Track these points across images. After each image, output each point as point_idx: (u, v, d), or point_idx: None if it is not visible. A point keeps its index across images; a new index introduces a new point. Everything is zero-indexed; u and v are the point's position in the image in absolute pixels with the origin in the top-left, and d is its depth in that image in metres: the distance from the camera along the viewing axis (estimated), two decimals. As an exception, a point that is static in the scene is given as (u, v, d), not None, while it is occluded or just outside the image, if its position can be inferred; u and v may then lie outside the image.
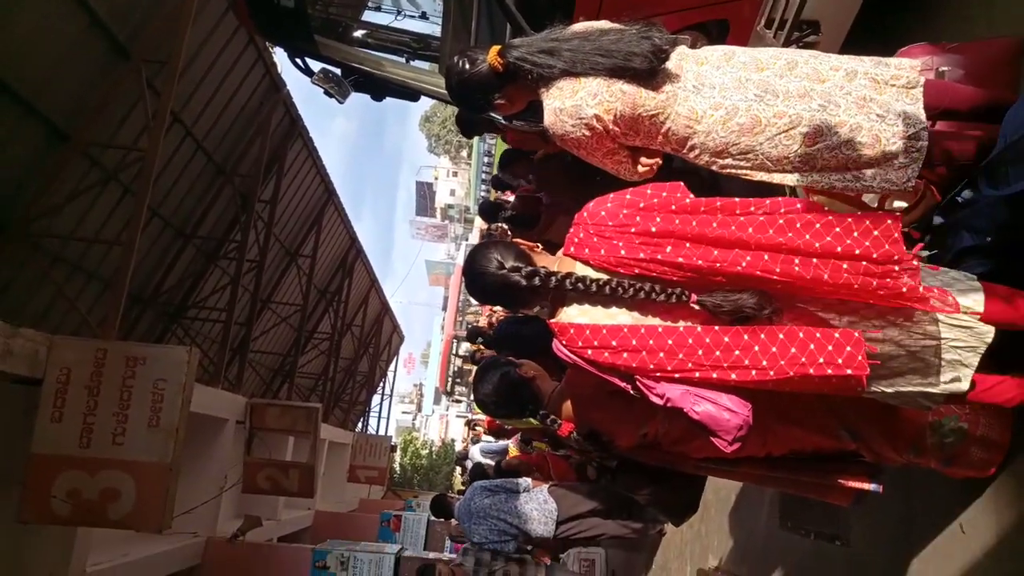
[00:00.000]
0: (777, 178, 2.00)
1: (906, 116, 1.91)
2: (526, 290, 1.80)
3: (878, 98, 1.94)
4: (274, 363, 15.36)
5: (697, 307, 1.70)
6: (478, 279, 1.88)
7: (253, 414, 9.48)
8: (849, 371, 1.60)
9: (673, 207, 1.75)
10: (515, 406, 2.48)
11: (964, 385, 1.74)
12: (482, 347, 8.17)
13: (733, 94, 1.94)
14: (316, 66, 3.93)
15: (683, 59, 2.02)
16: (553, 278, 1.77)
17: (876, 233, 1.66)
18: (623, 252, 1.71)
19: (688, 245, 1.68)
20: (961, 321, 1.74)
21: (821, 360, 1.61)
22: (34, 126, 6.32)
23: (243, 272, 10.38)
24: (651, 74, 1.95)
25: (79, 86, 6.56)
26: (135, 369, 5.28)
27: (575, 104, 1.98)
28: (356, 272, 17.48)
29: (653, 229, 1.71)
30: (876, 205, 2.30)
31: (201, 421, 8.22)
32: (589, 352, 1.72)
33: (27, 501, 5.03)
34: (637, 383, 1.71)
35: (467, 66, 2.12)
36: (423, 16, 4.78)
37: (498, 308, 11.07)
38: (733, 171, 2.01)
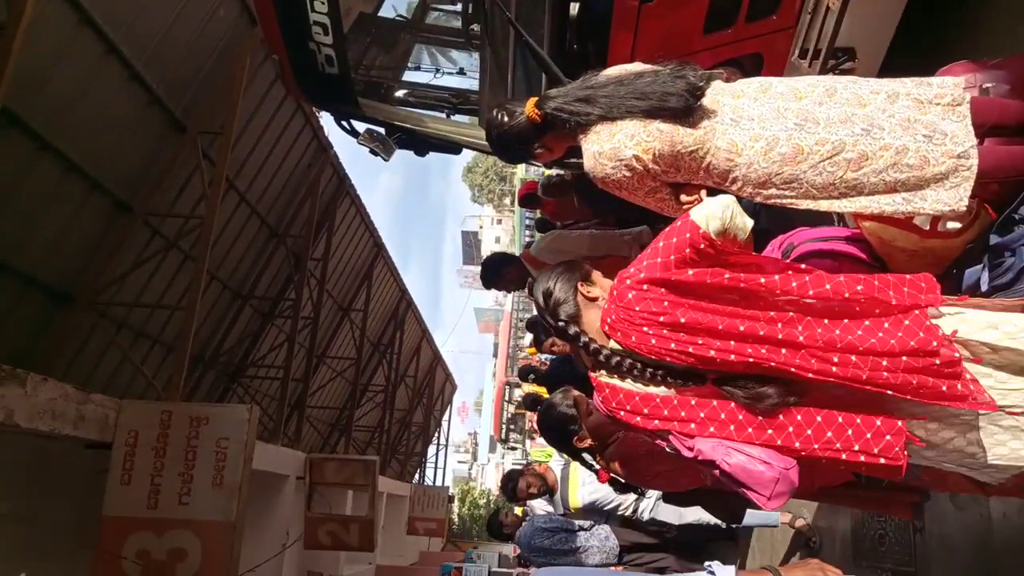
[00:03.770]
0: (824, 205, 1.97)
1: (954, 135, 1.87)
2: (563, 336, 1.84)
3: (923, 118, 1.90)
4: (331, 417, 15.55)
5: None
6: (534, 300, 1.95)
7: (312, 469, 9.58)
8: (883, 460, 1.55)
9: (707, 281, 1.68)
10: (556, 435, 2.61)
11: None
12: (536, 386, 8.12)
13: (772, 124, 1.94)
14: (361, 127, 4.09)
15: (719, 94, 2.03)
16: (580, 341, 1.79)
17: (907, 322, 1.59)
18: (654, 342, 1.67)
19: (719, 342, 1.64)
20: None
21: (856, 448, 1.56)
22: (99, 200, 6.67)
23: (298, 329, 10.62)
24: (688, 112, 1.97)
25: (139, 160, 6.94)
26: (199, 429, 5.42)
27: (614, 147, 2.00)
28: (407, 324, 17.70)
29: (682, 320, 1.65)
30: (928, 227, 2.25)
31: (262, 478, 8.34)
32: (622, 414, 1.73)
33: (100, 563, 5.16)
34: (671, 437, 1.68)
35: (506, 119, 2.18)
36: (461, 72, 4.94)
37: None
38: (778, 201, 1.99)
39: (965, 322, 1.62)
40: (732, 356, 1.61)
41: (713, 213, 1.73)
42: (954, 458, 1.66)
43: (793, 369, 1.58)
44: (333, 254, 11.81)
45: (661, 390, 1.70)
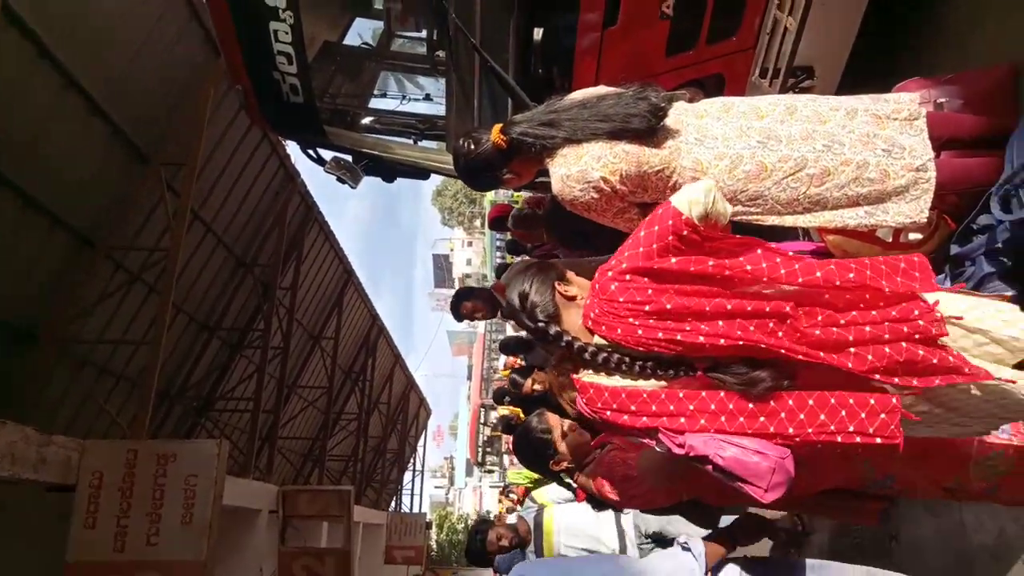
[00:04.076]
0: (789, 221, 2.00)
1: (912, 148, 1.92)
2: (540, 336, 1.79)
3: (882, 133, 1.95)
4: (303, 448, 15.29)
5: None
6: (509, 304, 1.88)
7: (285, 502, 9.37)
8: (879, 440, 1.52)
9: (691, 269, 1.67)
10: (532, 459, 2.58)
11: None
12: (511, 408, 8.06)
13: (736, 143, 1.97)
14: (328, 155, 4.06)
15: (683, 114, 2.07)
16: (562, 339, 1.74)
17: (895, 313, 1.60)
18: (640, 333, 1.63)
19: (705, 325, 1.61)
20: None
21: (851, 428, 1.53)
22: (60, 235, 6.53)
23: (268, 360, 10.46)
24: (651, 132, 1.99)
25: (102, 193, 6.81)
26: (166, 467, 5.28)
27: (580, 169, 2.01)
28: (379, 350, 17.55)
29: (668, 307, 1.62)
30: (891, 239, 2.30)
31: (234, 513, 8.14)
32: (608, 413, 1.68)
33: (64, 611, 4.97)
34: (659, 435, 1.63)
35: (472, 147, 2.19)
36: (427, 98, 4.95)
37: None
38: (744, 217, 2.01)
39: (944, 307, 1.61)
40: (722, 339, 1.58)
41: (695, 199, 1.71)
42: (944, 428, 1.66)
43: (783, 350, 1.56)
44: (302, 282, 11.69)
45: (650, 384, 1.66)
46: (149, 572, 5.06)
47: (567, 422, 2.50)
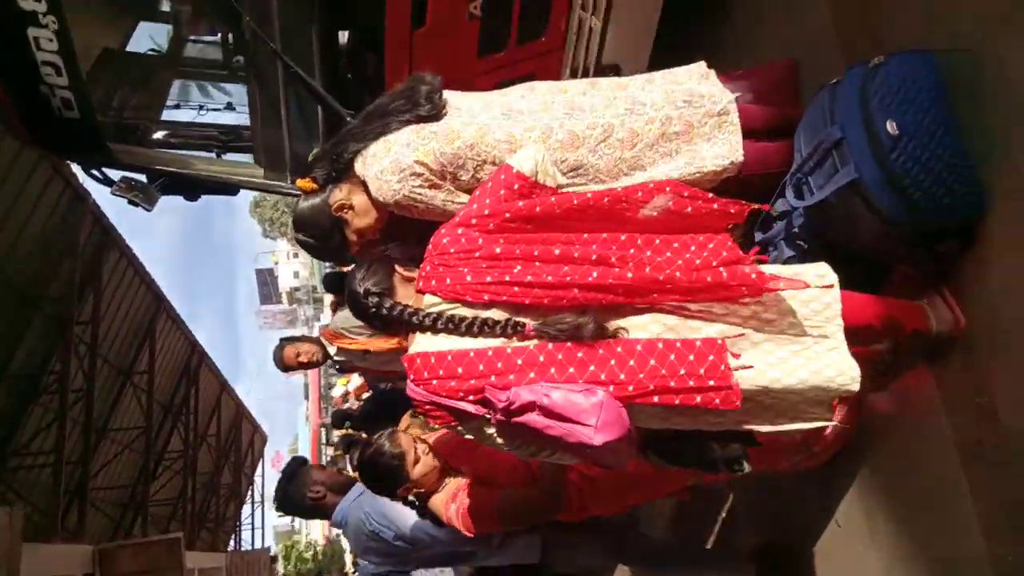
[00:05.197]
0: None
1: (711, 95, 2.10)
2: (376, 315, 1.76)
3: (679, 88, 2.12)
4: (122, 497, 13.80)
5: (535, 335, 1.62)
6: (347, 292, 1.85)
7: (103, 562, 8.44)
8: (712, 383, 1.55)
9: (523, 212, 1.73)
10: (381, 486, 2.46)
11: (853, 386, 1.67)
12: (351, 431, 7.75)
13: (543, 115, 2.04)
14: (117, 174, 3.62)
15: (488, 94, 2.14)
16: (395, 309, 1.72)
17: (711, 246, 1.70)
18: (469, 278, 1.64)
19: (537, 264, 1.64)
20: (814, 302, 1.72)
21: (682, 371, 1.56)
22: None
23: (69, 405, 9.31)
24: (437, 110, 2.02)
25: None
26: (-56, 547, 4.50)
27: (393, 159, 1.98)
28: (202, 378, 16.26)
29: (498, 250, 1.66)
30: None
31: (41, 585, 7.15)
32: (435, 383, 1.62)
33: None
34: (486, 392, 1.59)
35: (305, 210, 2.16)
36: (229, 107, 4.57)
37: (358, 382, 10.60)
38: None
39: None
40: (548, 277, 1.61)
41: (526, 154, 1.83)
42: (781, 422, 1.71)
43: (611, 281, 1.60)
44: (104, 315, 10.52)
45: (479, 343, 1.62)
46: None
47: (421, 444, 2.40)
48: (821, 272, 1.77)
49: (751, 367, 1.61)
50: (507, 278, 1.63)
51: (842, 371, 1.67)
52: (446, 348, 1.63)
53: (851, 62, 2.03)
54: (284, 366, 3.98)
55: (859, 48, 2.35)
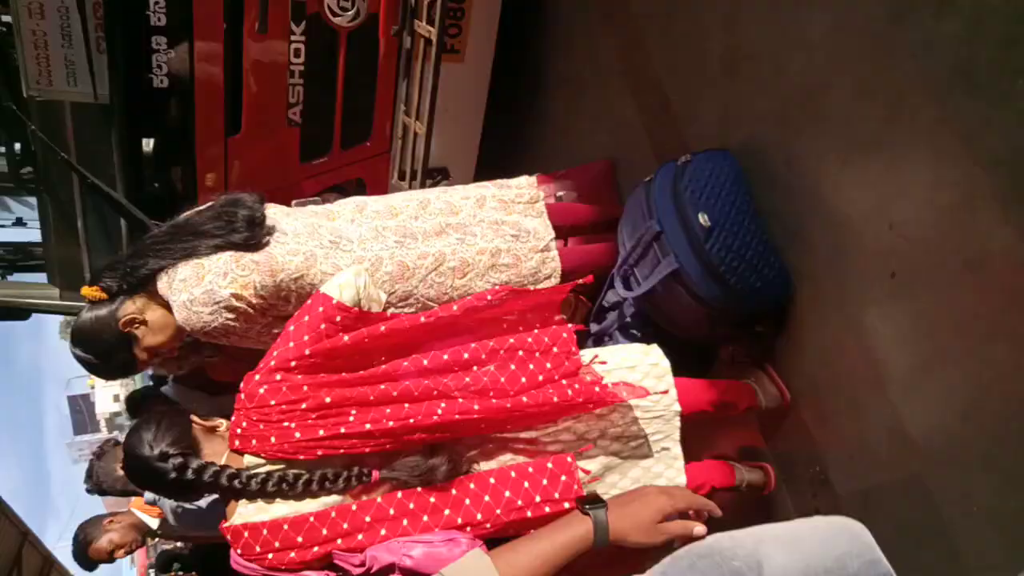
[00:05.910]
0: None
1: (536, 231, 2.14)
2: (180, 483, 1.41)
3: (509, 219, 2.13)
4: None
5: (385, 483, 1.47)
6: (127, 461, 1.47)
7: None
8: (567, 504, 1.51)
9: (356, 342, 1.54)
10: None
11: (681, 479, 1.75)
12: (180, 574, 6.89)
13: (374, 244, 1.96)
14: None
15: (314, 216, 2.00)
16: (206, 472, 1.40)
17: (556, 350, 1.64)
18: (299, 436, 1.41)
19: (373, 411, 1.47)
20: (654, 407, 1.74)
21: (538, 499, 1.50)
22: None
23: None
24: (254, 240, 1.84)
25: None
26: None
27: (206, 290, 1.76)
28: (-2, 530, 13.99)
29: (328, 400, 1.45)
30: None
31: None
32: (270, 556, 1.37)
33: None
34: (335, 559, 1.39)
35: (87, 322, 1.87)
36: (20, 223, 4.11)
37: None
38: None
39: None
40: (390, 423, 1.43)
41: (347, 282, 1.65)
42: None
43: (458, 416, 1.47)
44: None
45: (317, 504, 1.41)
46: None
47: None
48: (654, 360, 1.79)
49: (600, 478, 1.63)
50: (342, 430, 1.43)
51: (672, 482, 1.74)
52: (280, 515, 1.39)
53: (662, 160, 2.15)
54: (91, 563, 2.80)
55: (667, 148, 2.52)
